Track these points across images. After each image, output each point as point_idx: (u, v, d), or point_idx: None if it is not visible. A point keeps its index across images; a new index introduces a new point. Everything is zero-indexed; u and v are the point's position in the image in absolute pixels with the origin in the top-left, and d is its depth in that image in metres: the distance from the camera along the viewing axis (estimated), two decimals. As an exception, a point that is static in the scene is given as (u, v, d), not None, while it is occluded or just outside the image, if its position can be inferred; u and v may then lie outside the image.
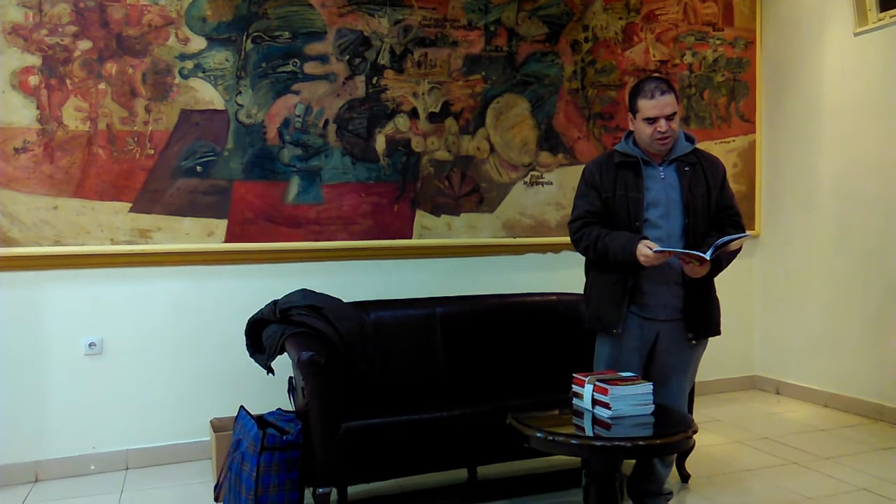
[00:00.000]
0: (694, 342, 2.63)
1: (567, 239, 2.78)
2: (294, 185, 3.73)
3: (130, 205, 3.46)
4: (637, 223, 2.55)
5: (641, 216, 2.55)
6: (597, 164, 2.68)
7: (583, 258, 2.76)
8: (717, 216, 2.65)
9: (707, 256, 2.40)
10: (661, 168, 2.61)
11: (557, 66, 4.25)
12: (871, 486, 3.10)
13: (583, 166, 2.80)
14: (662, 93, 2.53)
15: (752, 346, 4.87)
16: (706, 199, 2.61)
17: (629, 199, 2.57)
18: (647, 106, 2.54)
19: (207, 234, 3.58)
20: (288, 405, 3.15)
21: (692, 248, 2.52)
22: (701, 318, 2.62)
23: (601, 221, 2.61)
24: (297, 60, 3.71)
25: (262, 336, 3.03)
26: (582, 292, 2.79)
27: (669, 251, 2.44)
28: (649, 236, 2.51)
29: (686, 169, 2.61)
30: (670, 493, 2.81)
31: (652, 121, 2.53)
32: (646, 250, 2.43)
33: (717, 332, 2.70)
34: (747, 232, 2.68)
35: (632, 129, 2.65)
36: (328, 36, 3.76)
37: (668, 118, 2.53)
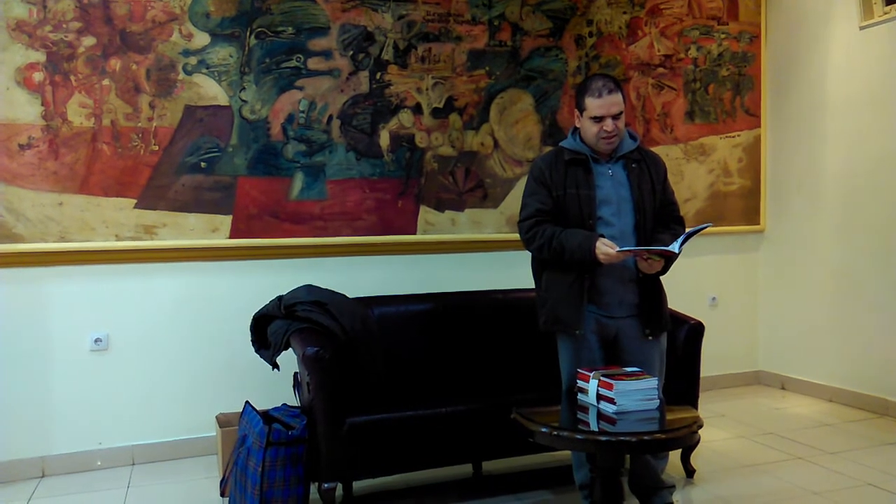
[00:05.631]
0: (650, 338, 2.62)
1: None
2: (298, 181, 3.73)
3: (135, 201, 3.47)
4: (590, 221, 2.54)
5: (595, 214, 2.55)
6: (546, 162, 2.65)
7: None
8: (660, 211, 2.67)
9: (676, 250, 2.39)
10: (609, 165, 2.60)
11: (561, 60, 4.24)
12: (877, 481, 3.10)
13: None
14: (610, 91, 2.52)
15: (756, 342, 4.86)
16: (652, 195, 2.62)
17: (581, 196, 2.56)
18: (594, 105, 2.52)
19: (212, 229, 3.59)
20: (293, 401, 3.15)
21: (643, 244, 2.53)
22: (655, 313, 2.62)
23: (552, 220, 2.59)
24: (300, 56, 3.71)
25: (268, 332, 3.04)
26: (535, 293, 2.74)
27: (631, 250, 2.44)
28: (603, 234, 2.50)
29: (633, 166, 2.61)
30: (672, 486, 2.81)
31: (598, 119, 2.52)
32: (606, 249, 2.42)
33: (669, 327, 2.72)
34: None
35: (577, 125, 2.64)
36: (332, 31, 3.76)
37: (615, 117, 2.52)
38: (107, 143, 3.42)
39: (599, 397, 2.36)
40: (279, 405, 3.04)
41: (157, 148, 3.49)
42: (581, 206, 2.55)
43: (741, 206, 4.74)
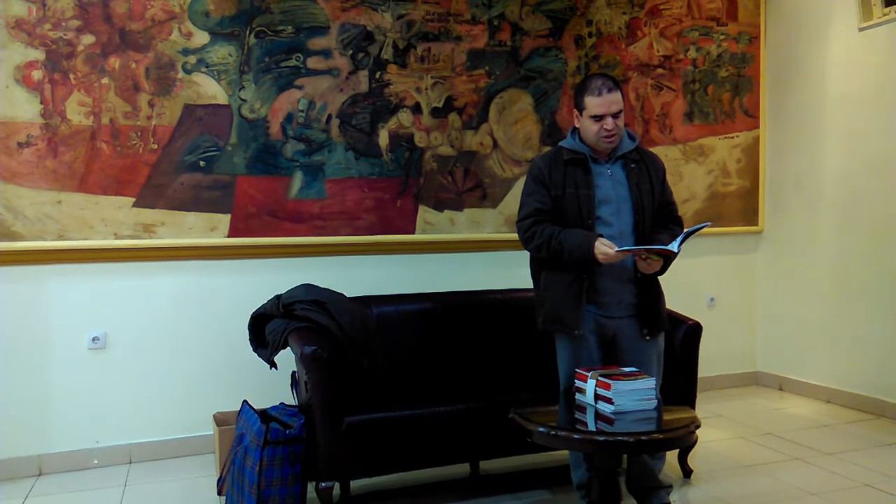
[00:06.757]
0: (648, 338, 2.62)
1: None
2: (297, 180, 3.73)
3: (134, 199, 3.47)
4: (589, 221, 2.54)
5: (594, 214, 2.55)
6: (545, 161, 2.66)
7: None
8: (659, 212, 2.67)
9: (675, 249, 2.39)
10: (608, 165, 2.61)
11: (561, 61, 4.24)
12: (874, 482, 3.10)
13: None
14: (609, 90, 2.52)
15: (754, 342, 4.86)
16: (651, 195, 2.62)
17: (580, 196, 2.56)
18: (593, 103, 2.52)
19: (211, 228, 3.59)
20: (291, 399, 3.15)
21: (642, 244, 2.53)
22: (653, 313, 2.62)
23: (551, 219, 2.59)
24: (300, 55, 3.71)
25: (266, 330, 3.04)
26: (534, 293, 2.74)
27: (630, 249, 2.44)
28: (602, 234, 2.50)
29: (632, 166, 2.61)
30: (670, 486, 2.81)
31: (598, 118, 2.52)
32: (605, 249, 2.42)
33: (667, 327, 2.71)
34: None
35: (577, 125, 2.64)
36: (331, 31, 3.76)
37: (615, 116, 2.52)
38: (106, 142, 3.42)
39: (597, 397, 2.36)
40: (277, 404, 3.04)
41: (156, 146, 3.49)
42: (580, 206, 2.56)
43: (740, 206, 4.74)
